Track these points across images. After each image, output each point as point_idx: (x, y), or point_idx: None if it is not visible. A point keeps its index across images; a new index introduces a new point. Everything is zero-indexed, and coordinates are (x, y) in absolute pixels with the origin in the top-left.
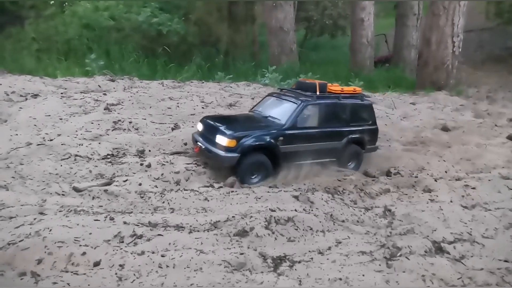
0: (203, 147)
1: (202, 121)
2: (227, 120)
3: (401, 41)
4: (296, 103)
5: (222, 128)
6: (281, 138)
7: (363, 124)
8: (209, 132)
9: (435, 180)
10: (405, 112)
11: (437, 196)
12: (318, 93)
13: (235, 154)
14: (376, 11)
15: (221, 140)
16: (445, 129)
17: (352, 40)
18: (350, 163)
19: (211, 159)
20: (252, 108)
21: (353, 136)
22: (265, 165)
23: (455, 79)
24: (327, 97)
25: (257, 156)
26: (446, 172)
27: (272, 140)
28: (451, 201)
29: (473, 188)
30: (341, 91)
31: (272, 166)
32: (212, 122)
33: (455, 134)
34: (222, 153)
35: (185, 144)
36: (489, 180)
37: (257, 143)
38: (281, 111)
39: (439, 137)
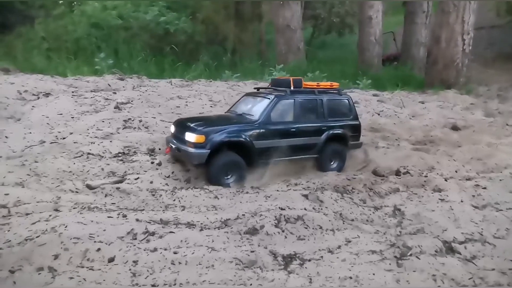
0: (174, 146)
1: (174, 122)
2: (198, 119)
3: (410, 39)
4: (269, 99)
5: (191, 125)
6: (254, 133)
7: (344, 119)
8: (180, 132)
9: (445, 180)
10: (414, 111)
11: (447, 196)
12: (292, 88)
13: (205, 150)
14: (385, 9)
15: (190, 136)
16: (455, 128)
17: (360, 38)
18: (332, 163)
19: (182, 157)
20: (229, 109)
21: (333, 132)
22: (239, 165)
23: (465, 77)
24: (301, 91)
25: (230, 155)
26: (456, 171)
27: (244, 135)
28: (462, 201)
29: (484, 188)
30: (317, 86)
31: (247, 163)
32: (183, 122)
33: (465, 133)
34: (191, 150)
35: None
36: (500, 180)
37: (227, 138)
38: (255, 108)
39: (449, 136)
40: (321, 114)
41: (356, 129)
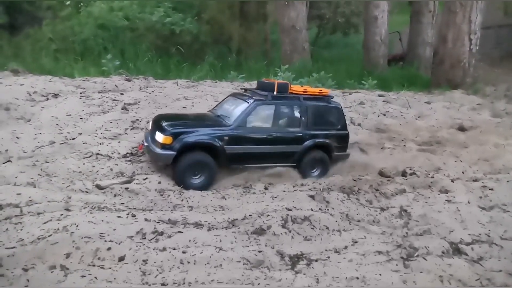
0: (146, 144)
1: (152, 119)
2: (174, 118)
3: (415, 39)
4: (248, 103)
5: (162, 124)
6: (226, 138)
7: (330, 128)
8: (153, 130)
9: (452, 181)
10: (420, 112)
11: (454, 197)
12: (275, 93)
13: (171, 152)
14: (390, 8)
15: (159, 137)
16: (461, 128)
17: (365, 38)
18: (314, 170)
19: (150, 156)
20: (213, 107)
21: (316, 140)
22: (209, 165)
23: (472, 77)
24: (284, 97)
25: (199, 155)
26: (463, 172)
27: (215, 139)
28: (469, 202)
29: (491, 189)
30: (304, 91)
31: (218, 164)
32: (158, 120)
33: (472, 134)
34: (158, 150)
35: None
36: (507, 181)
37: (195, 141)
38: (233, 111)
39: (456, 137)
40: (303, 122)
41: (343, 140)
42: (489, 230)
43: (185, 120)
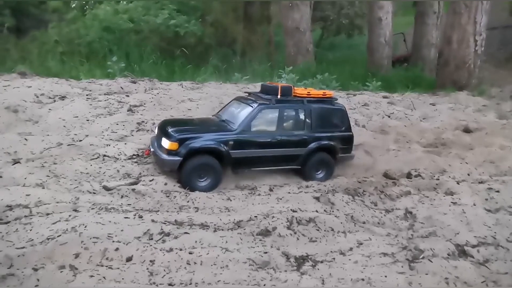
0: (152, 149)
1: (158, 124)
2: (179, 124)
3: (420, 40)
4: (252, 107)
5: (168, 130)
6: (231, 142)
7: (334, 130)
8: (159, 136)
9: (458, 183)
10: (425, 113)
11: (459, 199)
12: (279, 96)
13: (177, 158)
14: (394, 10)
15: (165, 143)
16: (467, 130)
17: (369, 40)
18: (319, 172)
19: (156, 162)
20: (217, 112)
21: (320, 142)
22: (214, 168)
23: (477, 79)
24: (288, 100)
25: (204, 158)
26: (468, 174)
27: (221, 144)
28: (474, 204)
29: (497, 191)
30: (307, 94)
31: (223, 167)
32: (164, 125)
33: (478, 135)
34: (164, 156)
35: None
36: None
37: (201, 146)
38: (237, 116)
39: (461, 139)
40: (308, 125)
41: (347, 141)
42: (495, 232)
43: (190, 125)
